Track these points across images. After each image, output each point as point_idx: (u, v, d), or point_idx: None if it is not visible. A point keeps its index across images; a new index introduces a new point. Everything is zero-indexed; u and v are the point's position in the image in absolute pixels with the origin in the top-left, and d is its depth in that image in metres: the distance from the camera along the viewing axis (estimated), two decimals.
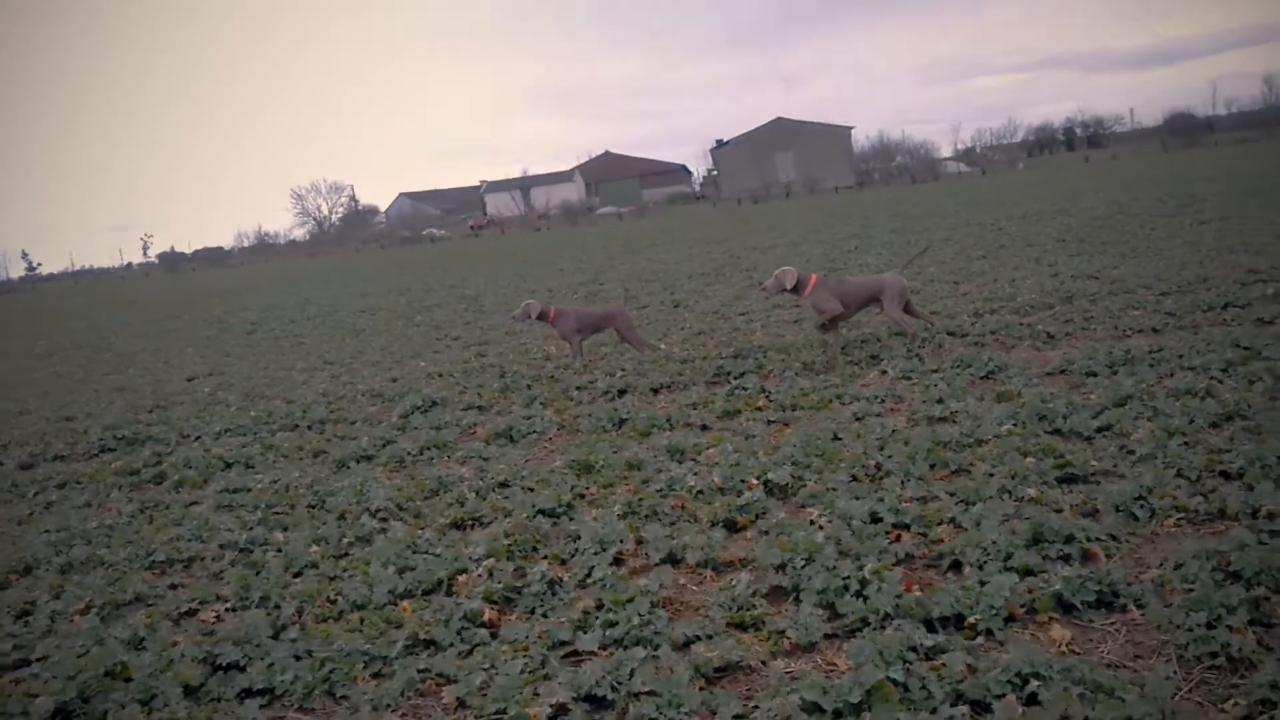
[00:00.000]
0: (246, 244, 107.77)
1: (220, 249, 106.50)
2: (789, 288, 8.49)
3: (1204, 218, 16.46)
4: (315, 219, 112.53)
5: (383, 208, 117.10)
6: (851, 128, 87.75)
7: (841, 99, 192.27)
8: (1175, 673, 2.93)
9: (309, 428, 8.20)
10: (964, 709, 2.79)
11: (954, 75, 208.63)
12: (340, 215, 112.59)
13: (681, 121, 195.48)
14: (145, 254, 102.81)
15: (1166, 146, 70.94)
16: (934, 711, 2.79)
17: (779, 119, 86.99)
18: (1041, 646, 3.10)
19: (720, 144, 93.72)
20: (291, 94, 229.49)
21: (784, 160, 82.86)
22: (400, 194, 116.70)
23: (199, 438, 8.33)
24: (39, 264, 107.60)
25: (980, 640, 3.23)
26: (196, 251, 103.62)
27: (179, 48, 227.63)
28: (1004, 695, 2.83)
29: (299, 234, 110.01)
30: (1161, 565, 3.63)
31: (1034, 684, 2.83)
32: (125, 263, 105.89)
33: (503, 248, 46.31)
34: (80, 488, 7.11)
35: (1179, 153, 63.07)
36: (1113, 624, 3.29)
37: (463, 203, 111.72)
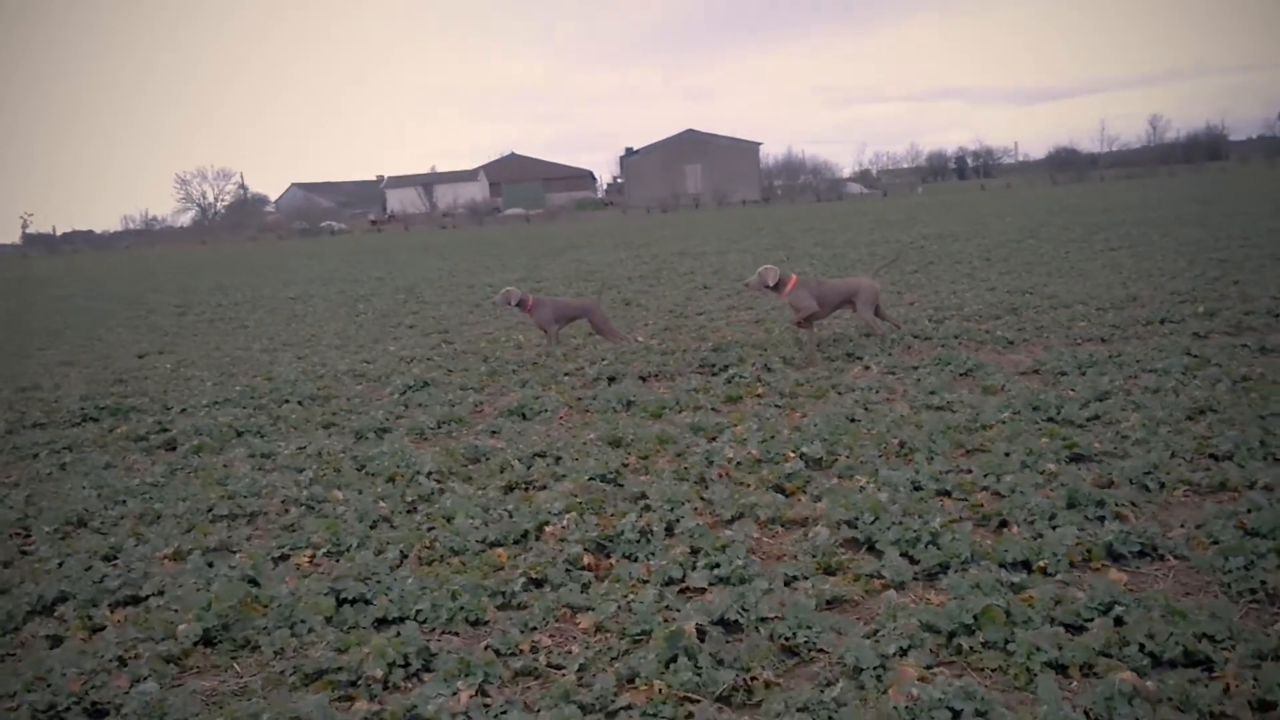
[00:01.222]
0: (128, 227, 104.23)
1: (91, 232, 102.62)
2: (770, 285, 8.99)
3: (1113, 245, 17.62)
4: (200, 205, 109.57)
5: (273, 197, 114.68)
6: (759, 144, 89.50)
7: (747, 115, 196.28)
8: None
9: (299, 403, 8.35)
10: (1059, 629, 3.28)
11: (850, 100, 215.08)
12: (227, 203, 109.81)
13: (587, 127, 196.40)
14: (25, 233, 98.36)
15: (1055, 179, 74.49)
16: (1037, 630, 3.27)
17: (689, 131, 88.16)
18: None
19: (630, 152, 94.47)
20: (176, 74, 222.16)
21: (693, 172, 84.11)
22: (292, 184, 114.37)
23: (185, 410, 8.40)
24: None
25: (1058, 578, 3.74)
26: (65, 234, 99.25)
27: (63, 22, 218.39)
28: (1093, 619, 3.33)
29: (184, 220, 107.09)
30: (1184, 525, 4.20)
31: (1118, 609, 3.34)
32: None
33: (411, 244, 46.04)
34: (87, 451, 7.16)
35: (1067, 185, 66.29)
36: (1158, 570, 3.84)
37: (359, 196, 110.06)
